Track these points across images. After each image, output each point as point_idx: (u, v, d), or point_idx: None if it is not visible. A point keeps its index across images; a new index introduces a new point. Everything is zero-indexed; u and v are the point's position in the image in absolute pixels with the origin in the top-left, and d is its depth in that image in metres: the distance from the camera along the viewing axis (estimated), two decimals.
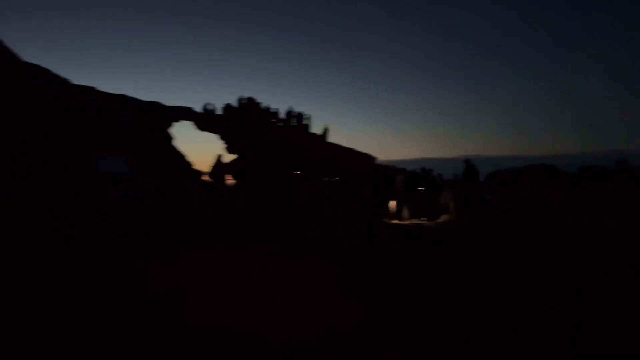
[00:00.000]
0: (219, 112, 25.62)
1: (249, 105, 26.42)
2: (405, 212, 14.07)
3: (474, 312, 5.49)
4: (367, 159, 31.45)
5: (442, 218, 13.04)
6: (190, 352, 4.32)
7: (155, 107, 24.24)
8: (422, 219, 13.71)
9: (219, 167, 15.13)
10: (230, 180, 20.40)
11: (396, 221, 13.44)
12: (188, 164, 22.48)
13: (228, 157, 26.61)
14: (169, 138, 24.10)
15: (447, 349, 4.56)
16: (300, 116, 29.62)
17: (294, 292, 6.11)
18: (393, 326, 5.01)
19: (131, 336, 4.70)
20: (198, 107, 25.22)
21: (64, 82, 20.90)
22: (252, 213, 12.66)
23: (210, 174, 15.43)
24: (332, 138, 30.78)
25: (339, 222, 12.01)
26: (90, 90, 22.09)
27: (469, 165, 13.84)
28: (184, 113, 24.94)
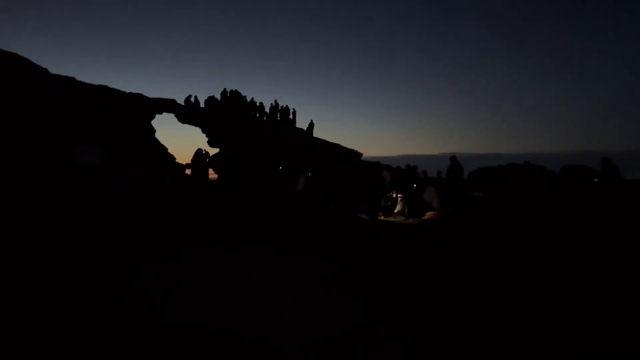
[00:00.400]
0: (202, 105, 25.08)
1: (232, 98, 25.90)
2: (400, 210, 13.82)
3: (474, 309, 5.39)
4: (353, 155, 31.20)
5: (427, 215, 12.80)
6: (184, 353, 4.14)
7: (137, 99, 23.65)
8: (409, 217, 13.47)
9: (200, 161, 14.54)
10: (212, 174, 19.92)
11: (391, 219, 13.21)
12: (170, 157, 21.96)
13: (211, 151, 26.16)
14: (151, 130, 23.54)
15: (447, 340, 4.41)
16: (285, 110, 29.22)
17: (293, 291, 5.92)
18: (394, 322, 4.90)
19: (118, 336, 4.52)
20: (180, 100, 24.66)
21: (44, 71, 20.20)
22: (251, 212, 12.33)
23: (191, 167, 14.86)
24: (317, 133, 30.46)
25: (339, 221, 11.81)
26: (70, 81, 21.41)
27: (454, 162, 13.62)
28: (166, 105, 24.36)
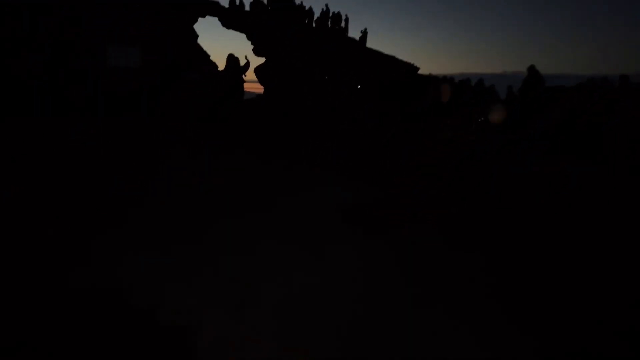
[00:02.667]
0: (247, 8, 23.09)
1: (280, 2, 23.62)
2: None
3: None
4: (410, 68, 28.61)
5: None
6: None
7: (178, 1, 22.05)
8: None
9: (234, 68, 13.00)
10: (253, 86, 18.61)
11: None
12: (213, 65, 20.75)
13: (256, 60, 24.66)
14: (193, 35, 22.20)
15: None
16: (337, 17, 26.59)
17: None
18: None
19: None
20: (225, 2, 22.76)
21: None
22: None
23: (223, 73, 13.18)
24: (370, 44, 27.85)
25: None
26: None
27: (532, 71, 11.37)
28: (209, 8, 22.67)
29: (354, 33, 28.13)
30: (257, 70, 24.73)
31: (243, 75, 13.72)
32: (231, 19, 22.51)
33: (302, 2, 24.72)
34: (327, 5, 25.92)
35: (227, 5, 22.44)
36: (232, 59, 13.09)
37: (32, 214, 6.92)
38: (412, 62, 29.93)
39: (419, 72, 30.21)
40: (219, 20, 22.77)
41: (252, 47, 23.75)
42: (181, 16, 21.65)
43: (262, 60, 24.04)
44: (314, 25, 25.60)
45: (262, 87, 25.02)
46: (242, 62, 20.56)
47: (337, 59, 24.12)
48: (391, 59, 28.14)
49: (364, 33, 27.76)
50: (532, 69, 11.58)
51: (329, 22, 26.43)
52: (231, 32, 23.42)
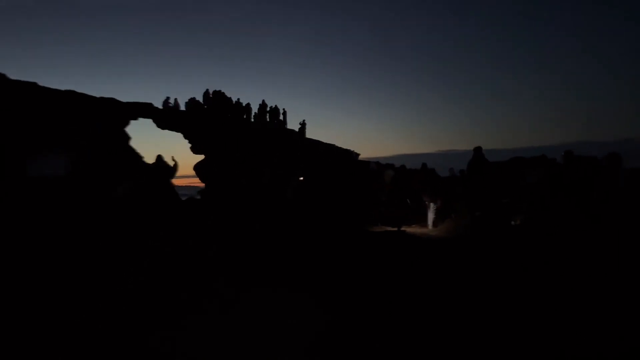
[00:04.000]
0: (182, 107, 22.92)
1: (217, 100, 23.77)
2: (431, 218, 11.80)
3: None
4: (350, 155, 29.14)
5: (447, 224, 10.82)
6: None
7: (109, 104, 21.48)
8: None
9: (161, 169, 12.04)
10: (183, 181, 17.71)
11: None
12: (145, 167, 19.79)
13: (194, 158, 24.06)
14: (125, 137, 21.39)
15: None
16: (275, 110, 27.13)
17: None
18: None
19: None
20: (158, 103, 22.48)
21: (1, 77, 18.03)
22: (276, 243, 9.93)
23: (150, 175, 11.96)
24: (309, 134, 28.41)
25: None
26: (32, 86, 19.23)
27: (478, 154, 11.23)
28: (142, 110, 22.24)
29: (293, 125, 28.59)
30: (197, 168, 24.06)
31: (171, 178, 12.51)
32: (166, 120, 22.10)
33: (238, 99, 25.03)
34: (263, 101, 26.48)
35: (160, 107, 22.13)
36: (160, 162, 11.93)
37: None
38: (352, 149, 30.77)
39: (360, 157, 30.96)
40: (154, 121, 22.29)
41: (189, 145, 23.32)
42: (113, 119, 21.01)
43: (200, 157, 23.54)
44: (252, 120, 25.82)
45: (202, 183, 24.23)
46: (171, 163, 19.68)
47: (277, 151, 24.07)
48: (331, 147, 28.68)
49: (303, 124, 28.38)
50: (478, 150, 11.46)
51: (267, 116, 26.84)
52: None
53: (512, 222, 10.06)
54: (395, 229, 11.07)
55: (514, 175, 12.57)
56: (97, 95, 21.10)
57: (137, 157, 19.74)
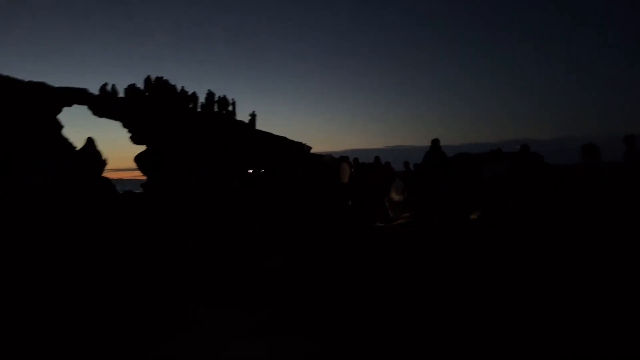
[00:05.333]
0: (121, 94, 21.36)
1: (159, 87, 22.36)
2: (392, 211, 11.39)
3: None
4: (301, 149, 28.61)
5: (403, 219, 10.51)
6: None
7: (39, 89, 19.60)
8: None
9: (91, 156, 10.59)
10: (129, 174, 16.43)
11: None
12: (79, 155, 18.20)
13: (136, 149, 22.54)
14: (57, 126, 19.61)
15: None
16: (223, 100, 25.99)
17: None
18: None
19: None
20: (94, 89, 20.81)
21: None
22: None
23: (79, 164, 10.28)
24: (260, 127, 27.58)
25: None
26: None
27: (435, 145, 10.89)
28: (76, 95, 20.45)
29: (242, 116, 27.57)
30: (138, 159, 22.54)
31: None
32: (102, 107, 20.50)
33: (183, 88, 23.73)
34: (210, 90, 25.24)
35: (97, 92, 20.49)
36: (91, 144, 10.04)
37: None
38: (304, 142, 30.24)
39: (312, 151, 30.48)
40: (89, 108, 20.62)
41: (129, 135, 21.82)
42: (43, 107, 19.16)
43: (141, 148, 22.08)
44: (199, 110, 24.59)
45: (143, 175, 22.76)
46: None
47: (226, 142, 23.03)
48: (282, 140, 27.98)
49: (253, 116, 27.44)
50: (436, 141, 11.03)
51: (215, 106, 25.66)
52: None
53: (470, 217, 9.86)
54: (360, 225, 10.61)
55: (471, 169, 12.56)
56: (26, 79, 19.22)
57: (70, 146, 18.12)
